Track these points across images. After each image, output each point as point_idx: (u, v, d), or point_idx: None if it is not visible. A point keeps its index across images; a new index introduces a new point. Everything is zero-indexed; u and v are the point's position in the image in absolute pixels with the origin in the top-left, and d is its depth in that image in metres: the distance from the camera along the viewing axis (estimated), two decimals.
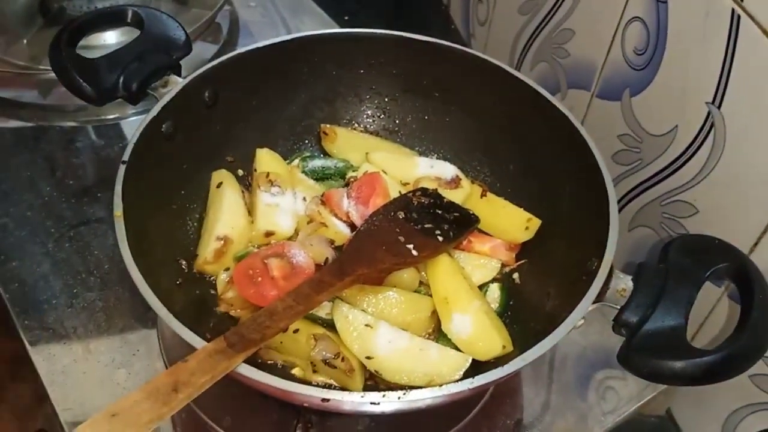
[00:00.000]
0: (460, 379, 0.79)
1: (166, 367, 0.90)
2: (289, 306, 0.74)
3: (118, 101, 1.14)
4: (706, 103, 0.93)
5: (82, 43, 0.92)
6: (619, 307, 0.75)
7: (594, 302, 0.75)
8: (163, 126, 0.88)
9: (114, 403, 0.60)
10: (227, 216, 0.91)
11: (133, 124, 1.19)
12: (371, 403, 0.67)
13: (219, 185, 0.95)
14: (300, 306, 0.74)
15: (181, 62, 0.94)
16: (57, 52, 0.88)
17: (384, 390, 0.81)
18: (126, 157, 0.82)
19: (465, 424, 0.89)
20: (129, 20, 0.94)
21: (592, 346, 0.99)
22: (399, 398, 0.67)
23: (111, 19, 0.95)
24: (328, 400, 0.67)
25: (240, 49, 0.96)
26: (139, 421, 0.59)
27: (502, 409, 0.92)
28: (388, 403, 0.67)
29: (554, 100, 0.94)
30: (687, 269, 0.76)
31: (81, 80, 0.87)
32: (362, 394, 0.67)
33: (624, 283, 0.77)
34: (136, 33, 0.92)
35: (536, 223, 0.93)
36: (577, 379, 0.96)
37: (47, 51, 1.19)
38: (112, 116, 1.20)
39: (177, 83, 0.91)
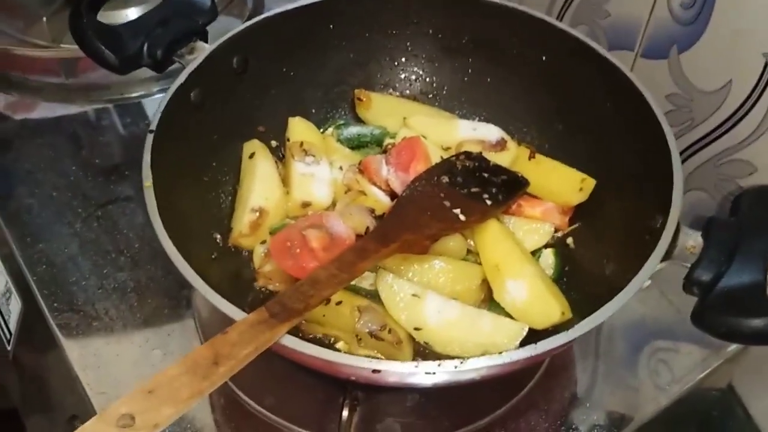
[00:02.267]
0: None
1: None
2: (332, 274, 0.69)
3: (143, 78, 1.14)
4: (763, 54, 0.88)
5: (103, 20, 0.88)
6: (689, 265, 0.70)
7: (662, 261, 0.69)
8: (192, 94, 0.84)
9: (150, 378, 0.56)
10: (261, 187, 0.87)
11: (156, 102, 1.16)
12: (426, 373, 0.62)
13: (251, 156, 0.90)
14: (344, 274, 0.70)
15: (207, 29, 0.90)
16: (78, 19, 0.83)
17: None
18: (153, 126, 0.77)
19: (520, 399, 0.84)
20: None
21: (641, 317, 0.94)
22: (456, 367, 0.62)
23: None
24: (379, 371, 0.62)
25: (268, 13, 0.91)
26: (178, 396, 0.55)
27: (558, 382, 0.87)
28: (444, 372, 0.62)
29: (604, 52, 0.88)
30: (762, 221, 0.70)
31: (104, 47, 0.82)
32: (416, 363, 0.62)
33: (693, 239, 0.71)
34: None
35: (591, 183, 0.88)
36: (625, 352, 0.91)
37: (67, 29, 1.19)
38: (136, 94, 1.16)
39: (204, 49, 0.86)
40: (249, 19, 1.28)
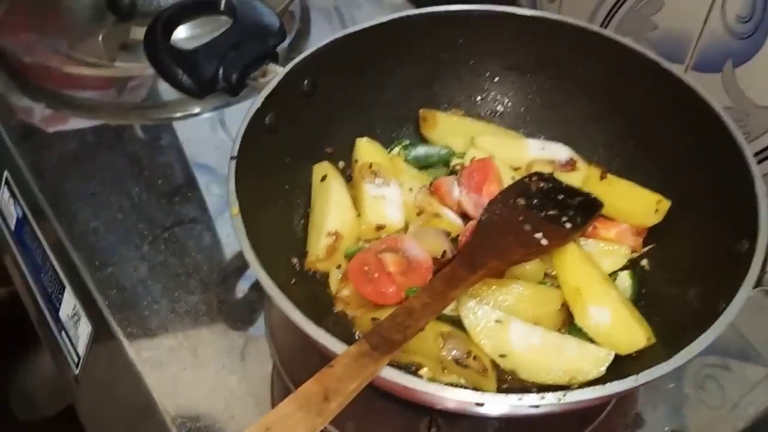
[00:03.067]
0: (605, 375, 0.74)
1: (277, 369, 0.85)
2: (426, 303, 0.69)
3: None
4: None
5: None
6: None
7: (753, 288, 0.69)
8: (267, 118, 0.83)
9: (265, 415, 0.55)
10: (336, 210, 0.86)
11: (214, 119, 1.16)
12: (530, 407, 0.61)
13: (323, 178, 0.90)
14: (436, 303, 0.69)
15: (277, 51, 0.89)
16: (153, 44, 0.83)
17: (516, 390, 0.77)
18: (234, 152, 0.77)
19: (600, 423, 0.83)
20: (222, 8, 0.89)
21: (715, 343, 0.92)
22: (560, 400, 0.61)
23: (204, 7, 0.90)
24: (482, 404, 0.61)
25: (336, 35, 0.91)
26: None
27: (635, 406, 0.86)
28: (547, 405, 0.61)
29: (677, 71, 0.88)
30: None
31: (181, 72, 0.82)
32: (520, 396, 0.61)
33: None
34: (206, 27, 0.86)
35: (666, 204, 0.87)
36: (700, 377, 0.89)
37: (119, 48, 1.19)
38: (187, 113, 1.16)
39: (277, 72, 0.86)
40: (296, 35, 1.30)
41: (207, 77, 0.83)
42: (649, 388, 0.87)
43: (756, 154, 1.03)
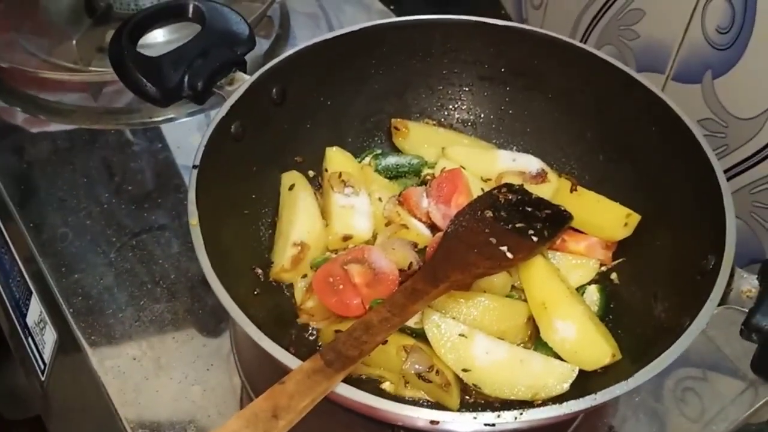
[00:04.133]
0: (568, 391, 0.74)
1: (242, 381, 0.85)
2: (384, 318, 0.68)
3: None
4: None
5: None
6: (746, 310, 0.68)
7: (718, 305, 0.68)
8: (233, 126, 0.83)
9: None
10: (303, 220, 0.86)
11: (187, 124, 1.15)
12: (485, 425, 0.61)
13: (291, 187, 0.89)
14: (396, 318, 0.69)
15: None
16: (118, 50, 0.82)
17: (481, 405, 0.76)
18: (197, 161, 0.76)
19: None
20: (190, 15, 0.88)
21: (686, 357, 0.91)
22: (516, 419, 0.61)
23: (171, 14, 0.89)
24: (437, 422, 0.61)
25: (306, 42, 0.90)
26: None
27: (604, 421, 0.86)
28: (504, 424, 0.61)
29: (648, 83, 0.87)
30: None
31: (145, 80, 0.81)
32: (475, 415, 0.61)
33: (749, 283, 0.70)
34: (183, 31, 0.85)
35: (636, 218, 0.86)
36: (667, 387, 0.89)
37: (96, 51, 1.18)
38: (163, 117, 1.15)
39: (244, 80, 0.85)
40: (276, 39, 1.29)
41: (172, 85, 0.82)
42: (627, 400, 0.87)
43: (735, 166, 1.02)
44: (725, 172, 0.99)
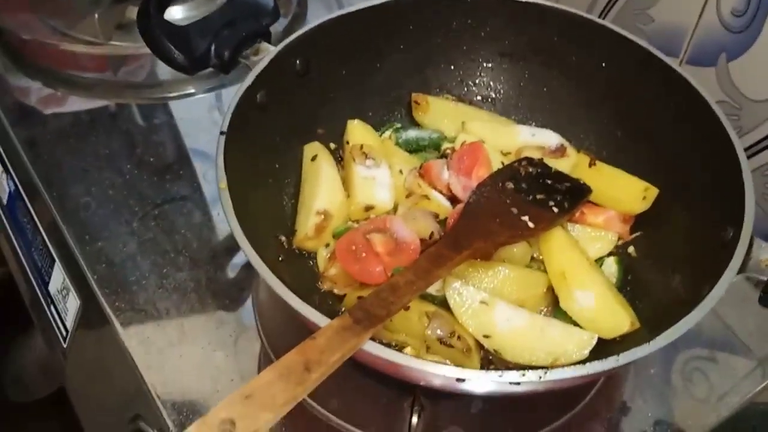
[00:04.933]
0: (588, 358, 0.75)
1: (265, 347, 0.86)
2: (410, 281, 0.69)
3: (191, 77, 1.14)
4: None
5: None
6: (765, 279, 0.70)
7: (737, 274, 0.69)
8: (258, 95, 0.84)
9: (246, 384, 0.56)
10: (325, 190, 0.87)
11: (206, 100, 1.16)
12: (510, 383, 0.62)
13: (314, 158, 0.90)
14: (420, 281, 0.70)
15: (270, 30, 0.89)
16: (146, 19, 0.83)
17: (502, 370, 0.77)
18: (224, 127, 0.77)
19: (582, 408, 0.84)
20: None
21: (698, 332, 0.93)
22: (540, 378, 0.62)
23: None
24: (463, 379, 0.62)
25: (329, 15, 0.91)
26: (274, 402, 0.55)
27: (618, 392, 0.87)
28: (528, 383, 0.62)
29: (667, 59, 0.88)
30: None
31: (173, 48, 0.82)
32: (500, 373, 0.62)
33: (767, 252, 0.71)
34: (203, 8, 0.86)
35: (654, 192, 0.87)
36: (678, 364, 0.90)
37: (116, 26, 1.19)
38: (183, 92, 1.16)
39: (269, 51, 0.86)
40: (293, 17, 1.30)
41: (199, 53, 0.83)
42: (636, 379, 0.88)
43: (749, 148, 1.03)
44: None
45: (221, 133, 0.77)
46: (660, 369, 0.89)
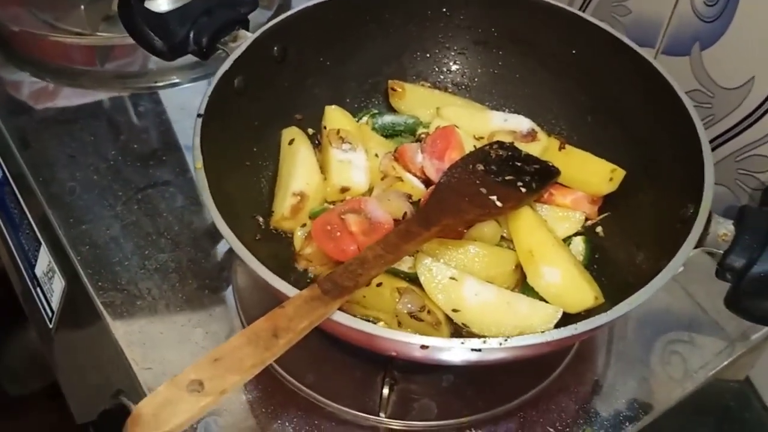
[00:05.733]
0: None
1: (244, 326, 0.88)
2: (378, 255, 0.72)
3: (176, 66, 1.17)
4: None
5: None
6: (721, 252, 0.72)
7: (695, 248, 0.72)
8: (235, 81, 0.86)
9: (216, 348, 0.59)
10: (302, 172, 0.89)
11: (191, 89, 1.19)
12: (472, 350, 0.64)
13: (291, 142, 0.93)
14: (389, 255, 0.72)
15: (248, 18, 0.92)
16: (127, 6, 0.86)
17: None
18: (201, 110, 0.80)
19: (551, 382, 0.86)
20: None
21: (653, 309, 0.96)
22: (501, 344, 0.64)
23: None
24: (427, 346, 0.64)
25: (308, 3, 0.94)
26: (242, 365, 0.58)
27: (585, 367, 0.90)
28: (489, 350, 0.64)
29: (634, 45, 0.91)
30: None
31: (152, 34, 0.85)
32: (462, 340, 0.64)
33: (725, 227, 0.73)
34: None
35: (620, 173, 0.90)
36: (647, 341, 0.93)
37: (102, 17, 1.22)
38: (168, 82, 1.19)
39: (247, 38, 0.88)
40: (278, 9, 1.33)
41: (178, 40, 0.86)
42: (616, 359, 0.91)
43: (721, 134, 1.05)
44: (712, 141, 1.04)
45: (198, 115, 0.79)
46: (640, 352, 0.92)
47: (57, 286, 0.97)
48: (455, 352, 0.66)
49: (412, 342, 0.64)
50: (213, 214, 0.71)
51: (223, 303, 0.91)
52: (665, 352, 0.92)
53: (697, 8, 1.04)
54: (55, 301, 0.98)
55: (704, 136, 0.80)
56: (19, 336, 1.64)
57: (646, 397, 0.87)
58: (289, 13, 0.92)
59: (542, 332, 0.66)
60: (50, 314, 0.99)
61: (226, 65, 0.84)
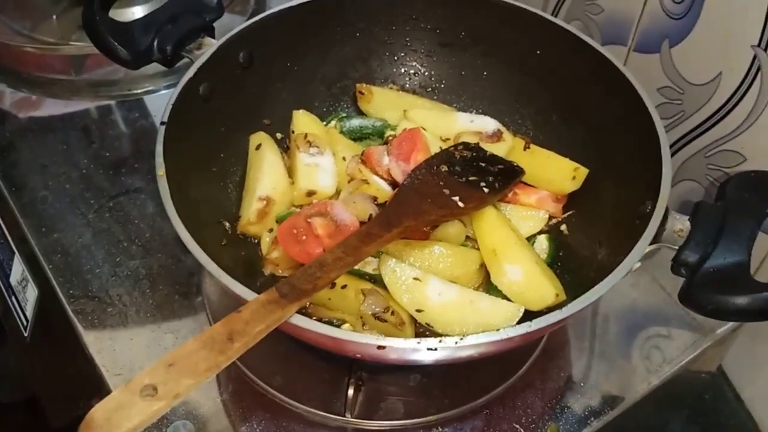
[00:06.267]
0: None
1: None
2: (338, 257, 0.72)
3: (149, 74, 1.18)
4: (752, 46, 0.90)
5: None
6: (677, 248, 0.73)
7: (651, 244, 0.73)
8: (201, 88, 0.87)
9: (170, 353, 0.59)
10: (268, 177, 0.90)
11: (165, 96, 1.19)
12: (428, 349, 0.65)
13: (258, 147, 0.94)
14: (349, 257, 0.73)
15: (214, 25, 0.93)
16: (91, 16, 0.86)
17: None
18: (165, 118, 0.81)
19: (517, 379, 0.87)
20: None
21: (634, 305, 0.97)
22: (456, 343, 0.65)
23: None
24: (383, 347, 0.65)
25: (273, 9, 0.95)
26: (196, 369, 0.59)
27: (553, 363, 0.91)
28: (445, 348, 0.65)
29: (596, 45, 0.92)
30: (747, 204, 0.74)
31: (116, 43, 0.86)
32: (418, 340, 0.65)
33: (681, 223, 0.75)
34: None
35: (583, 172, 0.91)
36: (617, 335, 0.94)
37: (76, 27, 1.22)
38: (141, 90, 1.20)
39: (211, 45, 0.89)
40: (252, 16, 1.33)
41: (142, 48, 0.87)
42: (585, 355, 0.92)
43: (692, 131, 1.06)
44: (683, 137, 1.05)
45: (161, 123, 0.80)
46: (611, 347, 0.93)
47: (31, 295, 0.98)
48: (411, 352, 0.66)
49: (368, 342, 0.65)
50: (173, 219, 0.72)
51: (193, 308, 0.92)
52: (634, 347, 0.93)
53: (666, 6, 1.05)
54: (30, 310, 0.99)
55: (663, 133, 0.81)
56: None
57: (613, 391, 0.89)
58: (254, 19, 0.93)
59: (497, 330, 0.67)
60: (25, 323, 1.00)
61: (190, 73, 0.85)
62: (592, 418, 0.85)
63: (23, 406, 1.47)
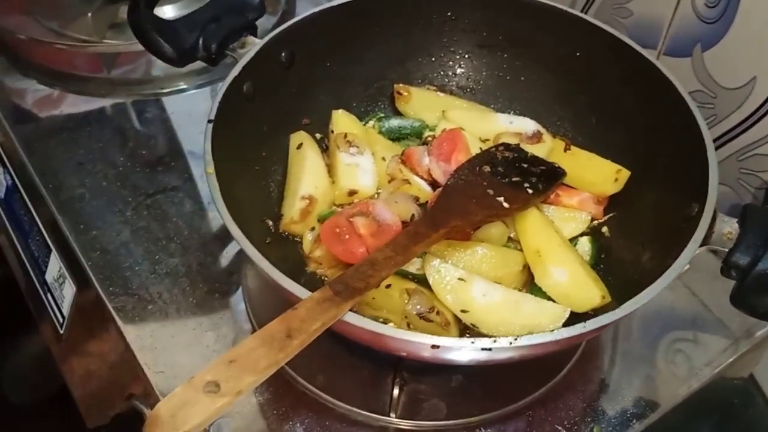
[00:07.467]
0: None
1: (254, 329, 0.89)
2: (388, 256, 0.73)
3: (182, 73, 1.18)
4: None
5: None
6: (726, 251, 0.73)
7: (700, 246, 0.73)
8: (244, 86, 0.87)
9: (230, 350, 0.59)
10: (310, 176, 0.91)
11: (197, 95, 1.20)
12: (483, 349, 0.65)
13: (299, 146, 0.94)
14: (399, 257, 0.73)
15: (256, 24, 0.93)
16: (136, 14, 0.87)
17: None
18: (212, 115, 0.81)
19: (558, 381, 0.87)
20: None
21: (657, 308, 0.97)
22: (511, 343, 0.65)
23: None
24: (438, 346, 0.65)
25: (314, 9, 0.95)
26: (257, 366, 0.59)
27: (592, 366, 0.90)
28: (499, 349, 0.65)
29: (637, 47, 0.92)
30: None
31: (162, 41, 0.86)
32: (472, 339, 0.65)
33: (729, 225, 0.74)
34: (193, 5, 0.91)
35: (625, 174, 0.91)
36: (652, 340, 0.94)
37: (108, 27, 1.23)
38: (176, 87, 1.20)
39: (255, 44, 0.90)
40: (282, 15, 1.34)
41: (187, 46, 0.87)
42: (621, 358, 0.92)
43: (724, 134, 1.06)
44: (714, 141, 1.05)
45: (209, 121, 0.80)
46: (646, 351, 0.92)
47: (68, 292, 0.98)
48: (465, 351, 0.66)
49: (423, 342, 0.65)
50: (225, 219, 0.72)
51: (232, 306, 0.92)
52: (670, 351, 0.93)
53: (699, 10, 1.05)
54: (66, 306, 0.99)
55: (708, 135, 0.81)
56: (25, 343, 1.65)
57: (651, 394, 0.88)
58: (296, 19, 0.93)
59: (551, 331, 0.67)
60: (62, 320, 1.00)
61: (235, 71, 0.85)
62: (634, 420, 0.85)
63: (52, 405, 1.47)
